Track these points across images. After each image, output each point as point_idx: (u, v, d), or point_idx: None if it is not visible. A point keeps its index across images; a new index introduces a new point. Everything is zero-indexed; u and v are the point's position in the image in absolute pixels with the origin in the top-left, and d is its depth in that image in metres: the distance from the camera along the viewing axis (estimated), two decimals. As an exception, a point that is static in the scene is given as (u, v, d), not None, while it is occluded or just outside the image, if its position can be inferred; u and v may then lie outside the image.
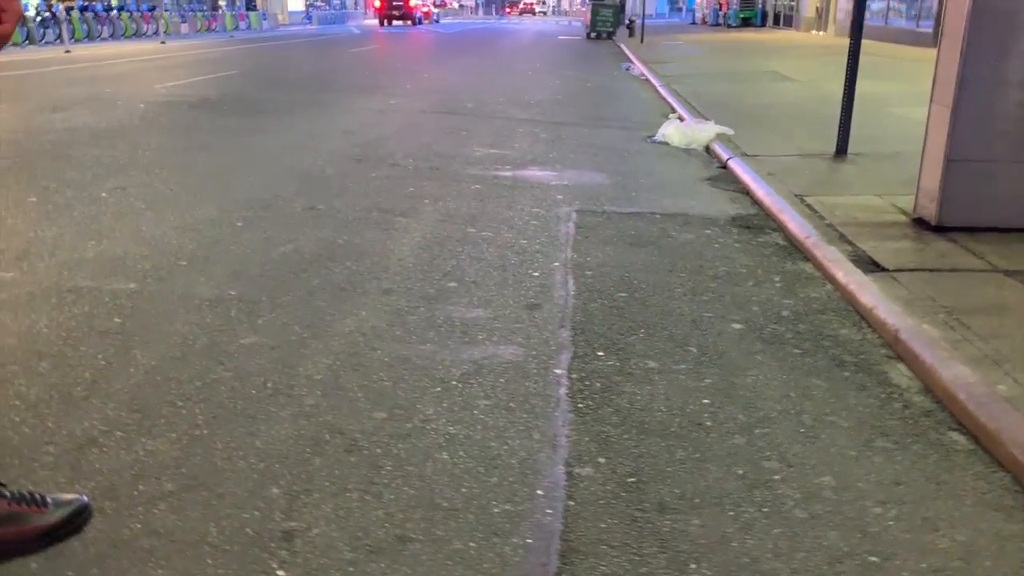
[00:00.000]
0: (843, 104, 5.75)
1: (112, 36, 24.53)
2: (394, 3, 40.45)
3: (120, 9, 25.97)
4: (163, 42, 21.91)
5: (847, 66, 5.77)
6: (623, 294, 3.18)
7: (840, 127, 5.78)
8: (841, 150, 5.78)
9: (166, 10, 28.46)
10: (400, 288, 3.17)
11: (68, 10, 23.45)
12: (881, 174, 5.18)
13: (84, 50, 18.65)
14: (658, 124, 7.95)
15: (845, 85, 5.74)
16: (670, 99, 9.68)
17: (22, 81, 10.79)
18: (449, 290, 3.17)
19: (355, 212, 4.30)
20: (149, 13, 27.06)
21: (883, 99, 8.94)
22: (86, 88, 9.64)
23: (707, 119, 7.55)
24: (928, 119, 3.93)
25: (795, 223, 4.11)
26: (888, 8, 18.99)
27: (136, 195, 4.47)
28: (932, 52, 15.05)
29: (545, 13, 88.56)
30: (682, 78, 11.88)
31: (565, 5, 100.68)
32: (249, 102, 8.51)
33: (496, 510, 1.77)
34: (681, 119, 8.21)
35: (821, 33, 23.18)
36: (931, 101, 3.90)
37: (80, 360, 2.43)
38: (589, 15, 26.16)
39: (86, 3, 25.08)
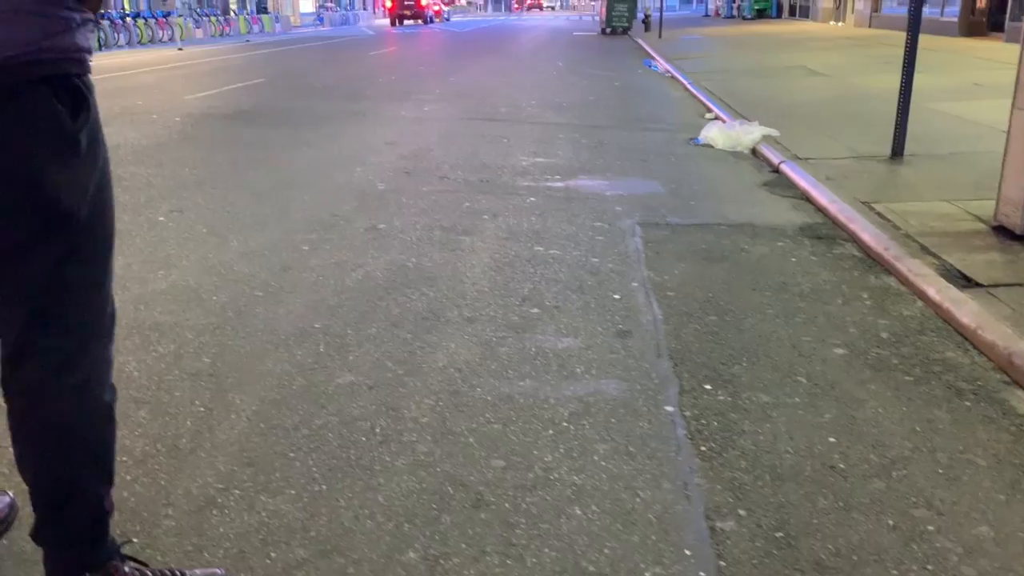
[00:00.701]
0: (899, 104, 5.62)
1: (128, 43, 24.54)
2: (406, 3, 40.36)
3: (136, 16, 25.99)
4: (180, 49, 21.91)
5: (903, 64, 5.64)
6: (713, 317, 3.08)
7: (896, 127, 5.65)
8: (897, 152, 5.65)
9: (180, 16, 28.50)
10: (483, 316, 3.08)
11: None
12: (943, 177, 5.05)
13: (103, 59, 18.63)
14: (696, 125, 7.86)
15: (901, 84, 5.61)
16: (703, 98, 9.55)
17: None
18: (533, 317, 3.08)
19: (417, 231, 4.22)
20: (164, 19, 27.08)
21: (921, 94, 8.71)
22: (117, 101, 9.59)
23: (748, 120, 7.42)
24: (1010, 125, 3.81)
25: (869, 233, 4.00)
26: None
27: (195, 218, 4.40)
28: (957, 41, 15.01)
29: (553, 8, 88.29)
30: (710, 75, 11.74)
31: (574, 1, 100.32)
32: (284, 113, 8.44)
33: (648, 574, 1.68)
34: (721, 120, 8.12)
35: (840, 24, 22.93)
36: (1013, 107, 3.78)
37: (178, 407, 2.36)
38: (604, 10, 26.00)
39: (103, 11, 25.07)
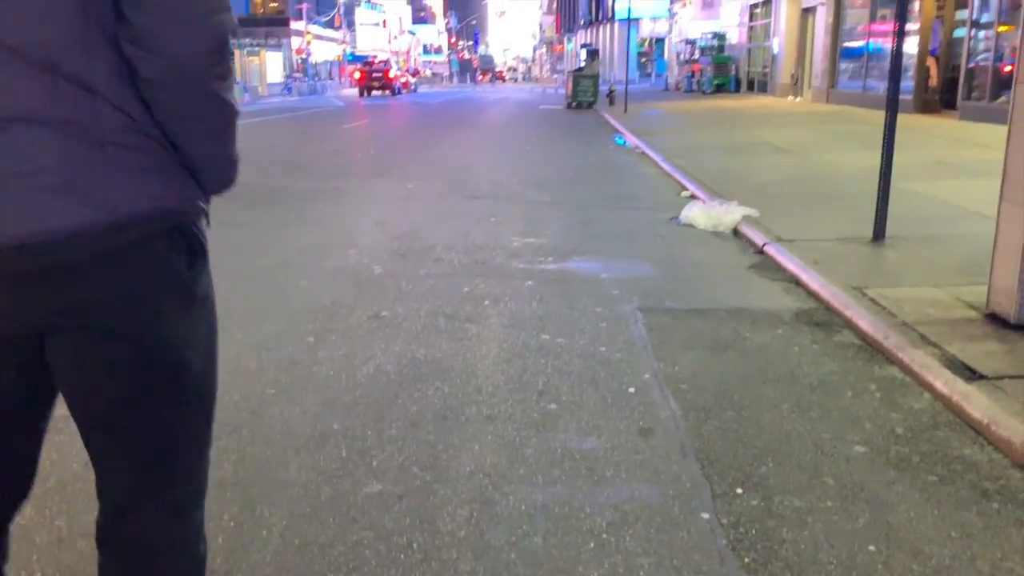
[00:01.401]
0: (879, 187, 5.79)
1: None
2: (374, 74, 41.01)
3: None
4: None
5: (883, 148, 5.83)
6: (730, 412, 3.10)
7: (877, 211, 5.81)
8: (878, 234, 5.80)
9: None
10: (502, 414, 3.06)
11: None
12: (927, 260, 5.20)
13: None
14: (675, 203, 8.03)
15: (881, 168, 5.80)
16: (677, 175, 9.76)
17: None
18: (552, 414, 3.07)
19: (421, 319, 4.21)
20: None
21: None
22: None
23: (726, 199, 7.59)
24: (999, 216, 3.95)
25: (865, 321, 4.08)
26: (865, 73, 19.52)
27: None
28: (912, 119, 15.46)
29: (516, 80, 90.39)
30: (681, 151, 12.01)
31: (536, 72, 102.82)
32: (269, 191, 8.44)
33: None
34: (695, 197, 8.31)
35: (797, 99, 23.75)
36: (1001, 199, 3.92)
37: (208, 521, 2.29)
38: (570, 85, 26.65)
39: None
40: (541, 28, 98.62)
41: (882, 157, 5.80)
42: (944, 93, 16.22)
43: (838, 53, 20.95)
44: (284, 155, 12.15)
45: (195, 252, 1.33)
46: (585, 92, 25.96)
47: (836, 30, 20.84)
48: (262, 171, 10.14)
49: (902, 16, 5.85)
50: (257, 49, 46.46)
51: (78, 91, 1.18)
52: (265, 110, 27.31)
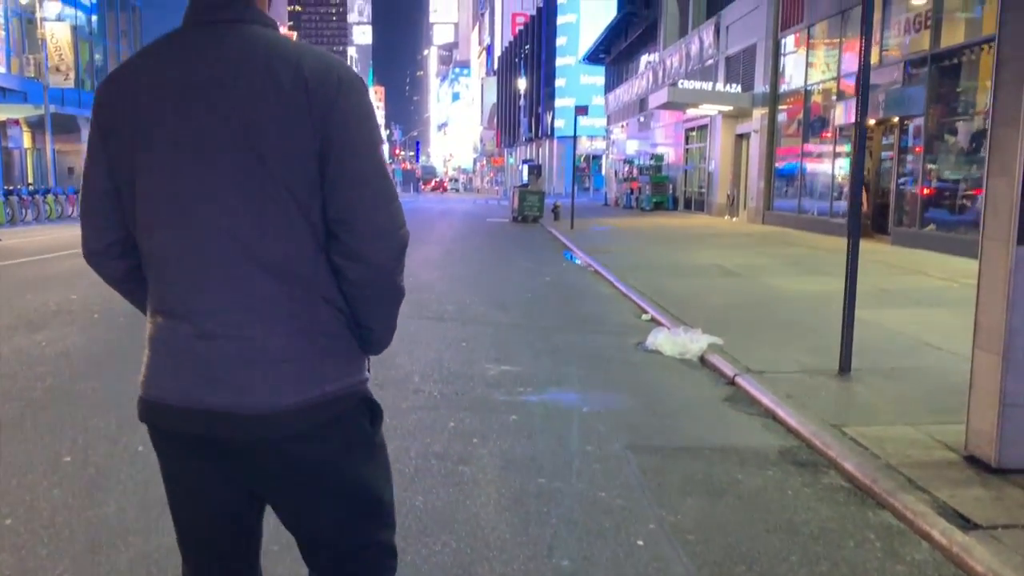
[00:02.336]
0: (843, 322, 6.02)
1: (36, 219, 24.07)
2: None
3: (45, 192, 25.64)
4: (93, 226, 21.58)
5: (845, 286, 6.08)
6: (742, 567, 3.10)
7: (842, 345, 6.02)
8: (844, 367, 6.00)
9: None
10: (516, 572, 3.00)
11: (-8, 194, 23.05)
12: (897, 397, 5.37)
13: (14, 237, 18.17)
14: (637, 326, 8.20)
15: (844, 306, 6.04)
16: (635, 297, 9.99)
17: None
18: (567, 572, 3.03)
19: (412, 460, 4.15)
20: (75, 195, 26.79)
21: (838, 300, 9.38)
22: (48, 295, 9.26)
23: (687, 324, 7.78)
24: (973, 363, 4.13)
25: (851, 463, 4.17)
26: (799, 193, 20.51)
27: (174, 448, 4.18)
28: (846, 242, 15.73)
29: (457, 191, 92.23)
30: (633, 271, 12.33)
31: (477, 183, 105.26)
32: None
33: None
34: (655, 321, 8.51)
35: (734, 219, 24.76)
36: (974, 346, 4.13)
37: None
38: (516, 200, 27.36)
39: (11, 187, 24.69)
40: (482, 142, 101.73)
41: (845, 295, 6.05)
42: (876, 218, 17.13)
43: (772, 176, 22.05)
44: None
45: (374, 412, 1.66)
46: (531, 207, 26.66)
47: (770, 155, 22.01)
48: None
49: (860, 159, 6.25)
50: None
51: (305, 293, 1.51)
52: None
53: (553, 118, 61.55)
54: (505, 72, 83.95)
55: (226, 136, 1.45)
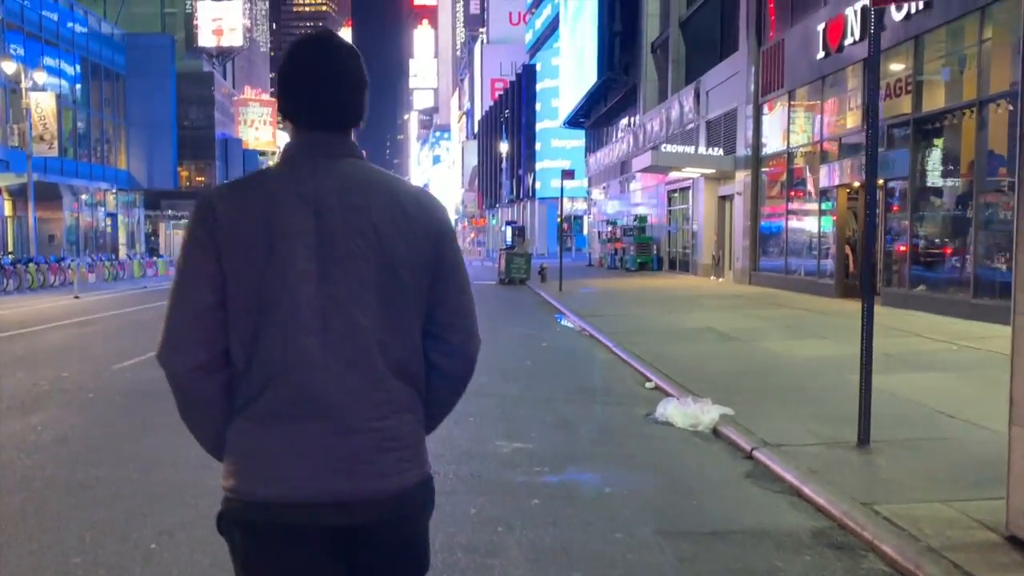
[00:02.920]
0: (861, 391, 5.94)
1: (18, 289, 23.74)
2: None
3: (27, 261, 25.35)
4: (77, 296, 21.29)
5: (861, 355, 6.01)
6: (803, 669, 2.96)
7: (860, 415, 5.94)
8: (863, 439, 5.91)
9: (74, 262, 27.97)
10: None
11: (-27, 264, 22.75)
12: (921, 470, 5.29)
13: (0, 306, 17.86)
14: (642, 395, 8.12)
15: (861, 374, 5.97)
16: (635, 364, 9.91)
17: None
18: None
19: (439, 554, 3.98)
20: (57, 264, 26.52)
21: (838, 365, 9.36)
22: (40, 372, 9.02)
23: (694, 394, 7.69)
24: (1010, 440, 4.06)
25: (889, 546, 4.06)
26: (786, 253, 20.67)
27: (190, 544, 4.00)
28: (836, 303, 16.07)
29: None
30: (628, 336, 12.26)
31: (459, 244, 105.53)
32: (230, 388, 8.12)
33: None
34: (659, 389, 8.43)
35: (720, 280, 24.89)
36: (1011, 423, 4.07)
37: None
38: (503, 262, 27.42)
39: (-8, 256, 24.41)
40: (464, 203, 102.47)
41: (861, 365, 5.99)
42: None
43: (757, 237, 22.27)
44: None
45: (430, 492, 1.81)
46: (518, 269, 26.71)
47: (754, 216, 22.27)
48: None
49: (872, 220, 6.28)
50: (185, 224, 46.57)
51: (416, 387, 1.76)
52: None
53: (534, 180, 62.23)
54: (486, 135, 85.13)
55: (366, 249, 1.66)
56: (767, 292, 19.82)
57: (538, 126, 62.19)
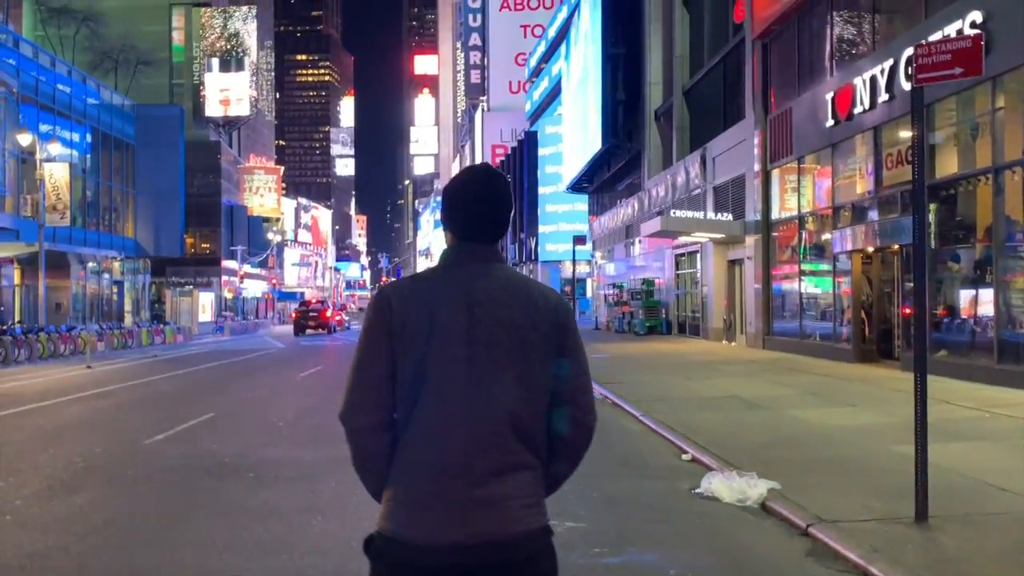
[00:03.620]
0: (917, 465, 5.87)
1: (28, 359, 23.67)
2: (310, 314, 41.39)
3: (38, 331, 25.34)
4: (89, 367, 21.20)
5: (915, 424, 5.96)
6: None
7: (917, 490, 5.86)
8: (921, 514, 5.83)
9: (83, 330, 27.96)
10: None
11: (-14, 334, 22.72)
12: (988, 549, 5.22)
13: (11, 380, 17.77)
14: (682, 468, 8.04)
15: (916, 447, 5.91)
16: (667, 435, 9.83)
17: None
18: None
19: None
20: (67, 333, 26.50)
21: (875, 434, 9.33)
22: (71, 448, 8.93)
23: (731, 464, 7.62)
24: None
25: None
26: (800, 315, 20.68)
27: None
28: (857, 369, 15.95)
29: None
30: (653, 403, 12.18)
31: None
32: (271, 465, 8.03)
33: None
34: (696, 461, 8.34)
35: (733, 344, 24.86)
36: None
37: None
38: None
39: (4, 326, 24.40)
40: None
41: (916, 439, 5.94)
42: (880, 343, 17.27)
43: (770, 301, 22.33)
44: (258, 416, 11.74)
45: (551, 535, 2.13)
46: (529, 335, 26.63)
47: (766, 280, 22.36)
48: (246, 436, 9.51)
49: (921, 281, 6.28)
50: (190, 290, 46.71)
51: (540, 454, 2.11)
52: (203, 353, 26.71)
53: (537, 243, 62.62)
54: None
55: (505, 338, 2.06)
56: (782, 357, 19.78)
57: (541, 190, 62.87)
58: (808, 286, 20.38)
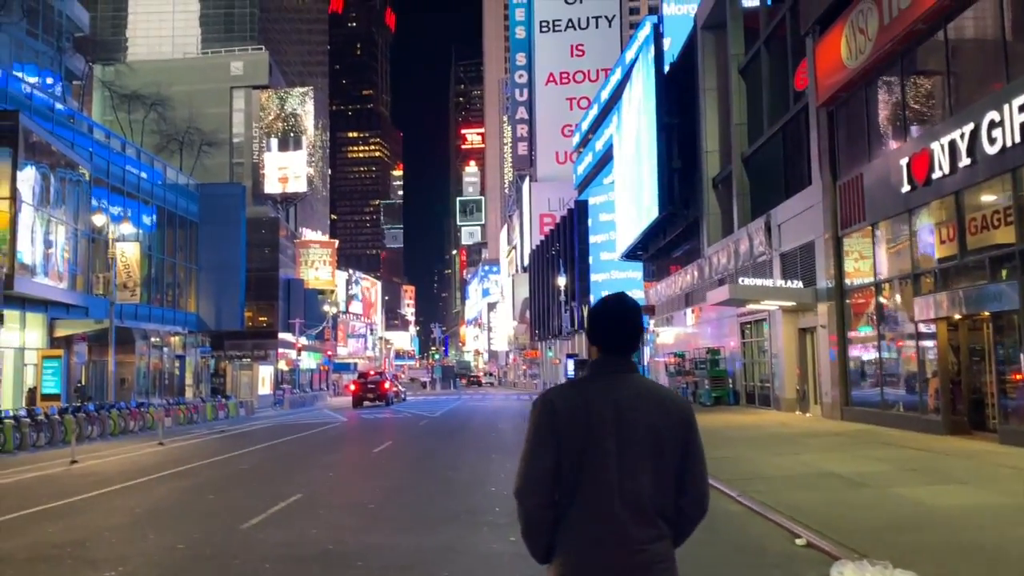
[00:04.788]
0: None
1: (101, 435, 23.96)
2: (369, 386, 41.38)
3: (111, 407, 25.71)
4: (161, 443, 21.35)
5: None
6: None
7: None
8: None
9: (152, 406, 28.31)
10: None
11: (62, 412, 23.08)
12: None
13: (88, 457, 17.91)
14: (800, 555, 7.63)
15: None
16: (770, 515, 9.40)
17: (78, 520, 9.88)
18: None
19: None
20: (137, 410, 26.83)
21: (1005, 516, 8.78)
22: (168, 533, 8.82)
23: (851, 549, 7.20)
24: None
25: None
26: (882, 386, 19.97)
27: None
28: (950, 442, 15.19)
29: (492, 384, 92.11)
30: (745, 482, 11.72)
31: (511, 377, 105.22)
32: (375, 552, 7.80)
33: None
34: (812, 546, 7.91)
35: (807, 415, 24.11)
36: None
37: None
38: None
39: (79, 403, 24.81)
40: (515, 335, 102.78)
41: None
42: (971, 415, 16.54)
43: (847, 371, 21.67)
44: (351, 496, 11.50)
45: None
46: (594, 407, 26.19)
47: (842, 349, 21.75)
48: (337, 519, 9.21)
49: None
50: (249, 363, 47.24)
51: (670, 524, 2.62)
52: (269, 427, 26.51)
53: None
54: (536, 269, 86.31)
55: (645, 435, 2.60)
56: (864, 428, 19.05)
57: (592, 258, 62.93)
58: (888, 354, 19.74)
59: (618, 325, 2.74)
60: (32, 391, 29.33)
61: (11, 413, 22.29)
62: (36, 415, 21.82)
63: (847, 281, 21.79)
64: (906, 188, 17.77)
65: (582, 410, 2.58)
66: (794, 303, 24.28)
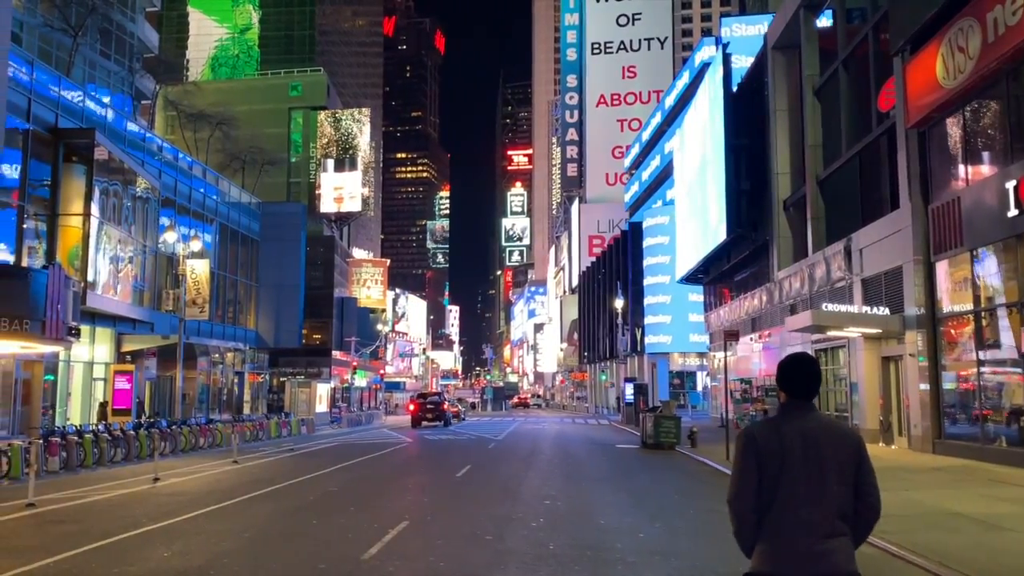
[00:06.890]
0: None
1: (172, 452, 23.99)
2: (428, 404, 41.16)
3: (182, 424, 25.80)
4: (236, 461, 21.24)
5: None
6: None
7: None
8: None
9: (221, 422, 28.36)
10: None
11: (136, 428, 23.18)
12: None
13: (167, 473, 17.84)
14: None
15: None
16: (916, 560, 8.83)
17: (191, 544, 9.64)
18: None
19: None
20: (207, 426, 26.89)
21: None
22: (293, 565, 8.51)
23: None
24: None
25: None
26: (983, 420, 19.05)
27: None
28: None
29: (540, 406, 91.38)
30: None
31: (559, 398, 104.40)
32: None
33: None
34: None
35: (892, 447, 23.20)
36: None
37: None
38: (650, 425, 26.42)
39: (152, 419, 24.93)
40: (564, 358, 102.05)
41: None
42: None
43: (940, 402, 20.76)
44: (457, 524, 11.08)
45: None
46: (667, 433, 25.70)
47: (935, 380, 20.86)
48: (462, 554, 8.85)
49: None
50: (307, 381, 47.38)
51: (849, 525, 3.51)
52: (336, 445, 26.21)
53: (643, 335, 61.48)
54: (586, 291, 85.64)
55: (827, 459, 3.48)
56: (963, 464, 18.16)
57: (647, 281, 62.17)
58: (989, 386, 18.83)
59: (803, 377, 3.66)
60: (103, 405, 29.62)
61: (90, 428, 22.42)
62: (113, 430, 21.91)
63: (941, 308, 20.93)
64: (1013, 212, 16.98)
65: (776, 443, 3.48)
66: (879, 330, 23.43)
